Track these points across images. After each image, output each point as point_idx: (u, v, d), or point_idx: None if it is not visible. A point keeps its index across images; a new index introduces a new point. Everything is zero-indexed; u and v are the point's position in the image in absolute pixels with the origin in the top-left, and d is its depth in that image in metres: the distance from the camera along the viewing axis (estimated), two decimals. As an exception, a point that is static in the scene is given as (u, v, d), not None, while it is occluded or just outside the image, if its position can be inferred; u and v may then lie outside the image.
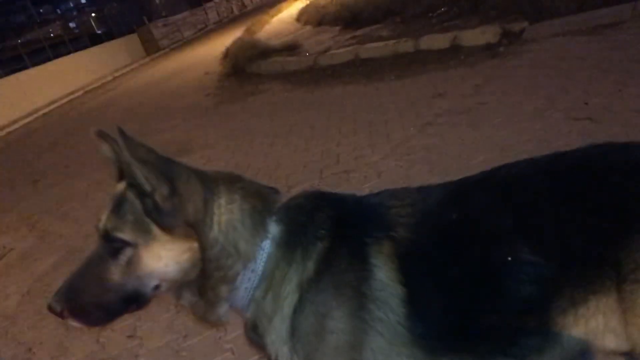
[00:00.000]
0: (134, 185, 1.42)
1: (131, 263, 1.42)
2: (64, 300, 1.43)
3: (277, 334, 1.44)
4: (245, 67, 11.56)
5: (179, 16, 37.09)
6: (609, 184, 1.29)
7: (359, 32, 10.65)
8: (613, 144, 1.40)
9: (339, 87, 7.92)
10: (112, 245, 1.43)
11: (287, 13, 23.27)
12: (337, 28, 12.18)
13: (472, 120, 4.93)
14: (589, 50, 5.59)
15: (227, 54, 13.43)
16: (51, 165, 9.66)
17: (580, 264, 1.26)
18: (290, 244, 1.47)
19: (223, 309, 1.51)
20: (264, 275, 1.46)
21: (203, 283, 1.46)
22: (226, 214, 1.47)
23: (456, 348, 1.38)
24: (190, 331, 3.32)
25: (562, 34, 6.38)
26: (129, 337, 3.53)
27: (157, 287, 1.47)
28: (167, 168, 1.41)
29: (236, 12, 43.90)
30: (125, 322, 3.57)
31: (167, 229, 1.40)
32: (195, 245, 1.43)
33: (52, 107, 19.66)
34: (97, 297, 1.44)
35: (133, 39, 31.41)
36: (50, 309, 1.43)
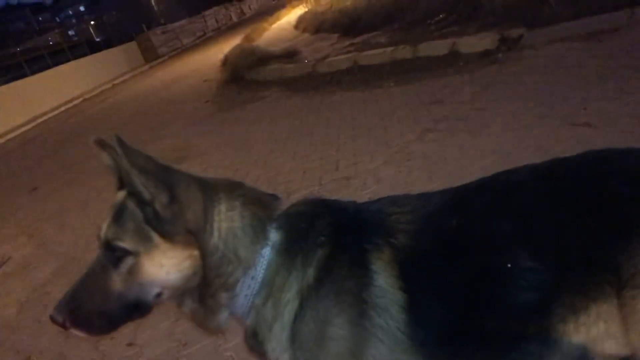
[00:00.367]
0: (133, 193, 1.42)
1: (133, 271, 1.42)
2: (66, 310, 1.42)
3: (277, 341, 1.44)
4: (244, 74, 11.57)
5: (177, 24, 37.24)
6: (608, 189, 1.29)
7: (357, 39, 10.69)
8: (612, 150, 1.41)
9: (338, 94, 7.94)
10: (113, 254, 1.43)
11: (286, 20, 23.38)
12: (336, 35, 12.22)
13: (471, 126, 4.94)
14: (587, 57, 5.61)
15: (225, 61, 13.46)
16: (50, 173, 9.64)
17: (580, 270, 1.26)
18: (290, 251, 1.46)
19: (223, 316, 1.51)
20: (264, 282, 1.46)
21: (203, 290, 1.46)
22: (226, 221, 1.47)
23: (456, 354, 1.38)
24: (190, 339, 3.31)
25: (559, 41, 6.41)
26: (129, 345, 3.52)
27: (159, 294, 1.47)
28: (166, 176, 1.42)
29: (235, 19, 44.11)
30: (124, 330, 3.54)
31: (167, 236, 1.40)
32: (196, 252, 1.43)
33: (51, 114, 19.65)
34: (99, 306, 1.44)
35: (132, 47, 31.48)
36: (53, 319, 1.42)
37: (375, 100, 6.92)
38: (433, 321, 1.36)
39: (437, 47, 7.81)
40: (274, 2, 49.37)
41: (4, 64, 29.39)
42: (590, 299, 1.24)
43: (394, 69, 7.99)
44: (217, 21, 41.91)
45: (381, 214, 1.50)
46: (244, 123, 8.29)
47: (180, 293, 1.49)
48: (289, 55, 11.53)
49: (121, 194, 1.48)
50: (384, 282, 1.37)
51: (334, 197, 1.73)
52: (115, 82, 24.47)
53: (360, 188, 4.51)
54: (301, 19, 17.62)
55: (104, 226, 1.46)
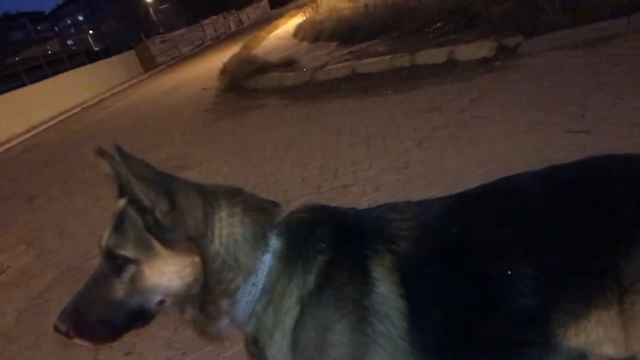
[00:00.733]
0: (134, 201, 1.42)
1: (134, 279, 1.42)
2: (69, 319, 1.42)
3: (278, 348, 1.43)
4: (243, 82, 11.61)
5: (176, 33, 37.42)
6: (608, 194, 1.29)
7: (355, 48, 10.74)
8: (611, 156, 1.42)
9: (337, 102, 7.96)
10: (114, 263, 1.43)
11: (284, 29, 23.47)
12: (334, 44, 12.27)
13: (469, 133, 4.95)
14: (585, 64, 5.63)
15: (224, 70, 13.50)
16: (49, 182, 9.63)
17: (581, 276, 1.26)
18: (291, 258, 1.46)
19: (224, 323, 1.51)
20: (265, 289, 1.46)
21: (204, 297, 1.46)
22: (227, 228, 1.47)
23: (457, 361, 1.37)
24: (189, 348, 3.29)
25: (557, 48, 6.43)
26: (127, 354, 3.50)
27: (161, 302, 1.47)
28: (165, 183, 1.42)
29: (233, 28, 44.27)
30: (123, 339, 3.52)
31: (168, 244, 1.40)
32: (197, 259, 1.43)
33: (49, 124, 19.69)
34: (102, 315, 1.43)
35: (131, 56, 31.60)
36: (56, 328, 1.42)
37: (373, 108, 6.93)
38: (434, 328, 1.36)
39: (435, 55, 7.85)
40: (272, 11, 49.62)
41: (2, 73, 29.45)
42: (591, 305, 1.24)
43: (392, 77, 8.02)
44: (215, 30, 42.09)
45: (382, 220, 1.50)
46: (242, 131, 8.30)
47: (182, 300, 1.49)
48: (288, 63, 11.58)
49: (121, 203, 1.48)
50: (385, 288, 1.37)
51: (333, 205, 1.73)
52: (114, 91, 24.55)
53: (359, 196, 4.51)
54: (300, 28, 17.71)
55: (105, 235, 1.46)
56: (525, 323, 1.30)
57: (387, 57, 8.64)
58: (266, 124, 8.17)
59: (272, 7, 55.40)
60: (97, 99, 23.15)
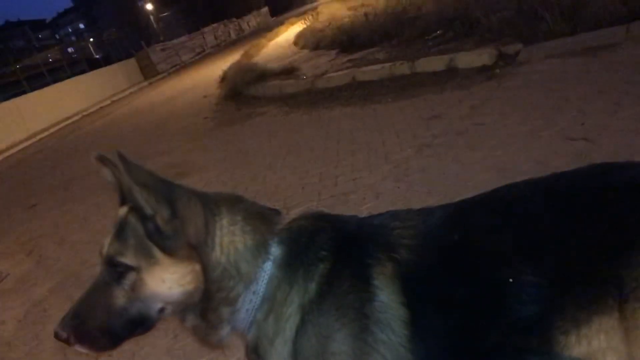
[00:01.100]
0: (135, 209, 1.43)
1: (135, 287, 1.42)
2: (70, 326, 1.42)
3: (278, 355, 1.43)
4: (243, 90, 11.63)
5: (176, 40, 37.51)
6: (609, 202, 1.29)
7: (355, 56, 10.75)
8: (612, 163, 1.42)
9: (337, 110, 7.97)
10: (115, 270, 1.43)
11: (284, 37, 23.54)
12: (334, 51, 12.30)
13: (469, 141, 4.95)
14: (584, 72, 5.64)
15: (225, 77, 13.53)
16: (49, 189, 9.64)
17: (582, 283, 1.26)
18: (291, 265, 1.46)
19: (224, 331, 1.51)
20: (266, 297, 1.46)
21: (205, 305, 1.46)
22: (228, 235, 1.47)
23: (458, 369, 1.37)
24: (189, 356, 3.29)
25: (556, 56, 6.45)
26: (127, 362, 3.49)
27: (162, 310, 1.47)
28: (167, 191, 1.42)
29: (233, 36, 44.39)
30: (123, 347, 3.49)
31: (169, 251, 1.41)
32: (198, 267, 1.43)
33: (50, 131, 19.72)
34: (103, 322, 1.44)
35: (131, 64, 31.68)
36: (57, 335, 1.42)
37: (373, 116, 6.94)
38: (435, 336, 1.35)
39: (434, 63, 7.86)
40: (272, 19, 49.82)
41: (3, 80, 29.51)
42: (593, 312, 1.24)
43: (392, 84, 8.03)
44: (216, 38, 42.19)
45: (383, 228, 1.50)
46: (243, 139, 8.31)
47: (182, 308, 1.49)
48: (288, 71, 11.60)
49: (123, 210, 1.48)
50: (386, 297, 1.37)
51: (333, 212, 1.73)
52: (115, 98, 24.60)
53: (360, 203, 4.51)
54: (300, 36, 17.76)
55: (106, 242, 1.46)
56: (527, 330, 1.29)
57: (387, 64, 8.65)
58: (266, 132, 8.18)
59: (272, 15, 55.72)
60: (97, 107, 23.20)
